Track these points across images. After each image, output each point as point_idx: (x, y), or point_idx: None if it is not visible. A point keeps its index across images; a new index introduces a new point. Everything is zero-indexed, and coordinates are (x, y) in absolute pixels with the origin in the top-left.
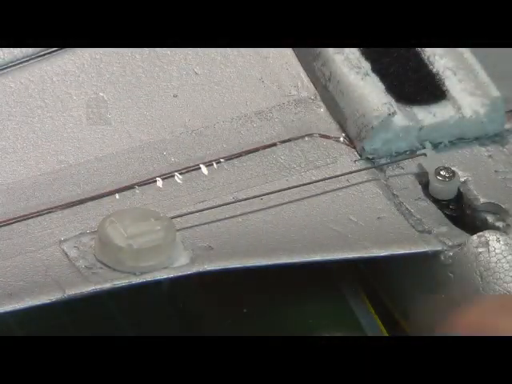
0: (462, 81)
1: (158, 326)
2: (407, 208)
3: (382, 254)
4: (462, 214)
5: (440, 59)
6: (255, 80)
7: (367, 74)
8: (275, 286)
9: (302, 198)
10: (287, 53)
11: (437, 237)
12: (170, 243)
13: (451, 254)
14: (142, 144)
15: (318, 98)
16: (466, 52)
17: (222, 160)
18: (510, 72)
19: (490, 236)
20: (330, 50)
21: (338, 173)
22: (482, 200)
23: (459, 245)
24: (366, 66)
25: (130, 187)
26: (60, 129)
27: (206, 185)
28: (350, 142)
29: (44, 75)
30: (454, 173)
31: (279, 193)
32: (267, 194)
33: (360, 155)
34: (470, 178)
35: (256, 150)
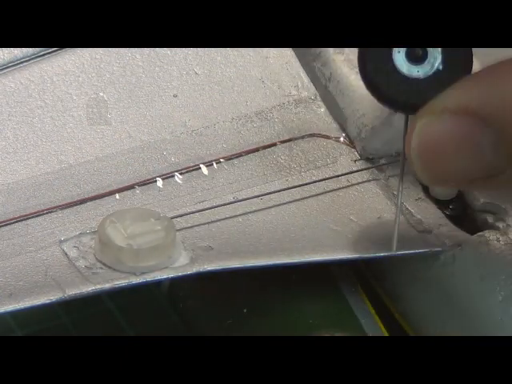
0: None
1: (158, 326)
2: (407, 208)
3: (381, 254)
4: (462, 214)
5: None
6: (255, 80)
7: None
8: (275, 286)
9: (302, 198)
10: (287, 53)
11: (437, 237)
12: (170, 243)
13: (451, 254)
14: (142, 144)
15: (318, 98)
16: None
17: (222, 160)
18: None
19: (490, 236)
20: (330, 50)
21: (338, 173)
22: (481, 200)
23: (459, 245)
24: None
25: (130, 187)
26: (60, 129)
27: (206, 185)
28: (350, 141)
29: (44, 75)
30: None
31: (279, 193)
32: (267, 193)
33: (360, 155)
34: None
35: (256, 150)
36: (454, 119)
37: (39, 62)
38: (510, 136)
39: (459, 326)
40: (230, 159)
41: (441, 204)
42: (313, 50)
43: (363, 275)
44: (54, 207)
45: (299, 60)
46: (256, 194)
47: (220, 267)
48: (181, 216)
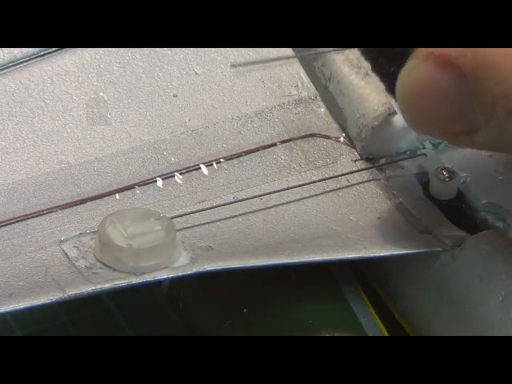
0: None
1: (158, 326)
2: (407, 208)
3: (381, 254)
4: (462, 214)
5: None
6: (255, 80)
7: (367, 74)
8: (275, 286)
9: (302, 198)
10: (287, 53)
11: (437, 237)
12: (170, 243)
13: (451, 254)
14: (142, 144)
15: (318, 98)
16: None
17: (222, 160)
18: None
19: (490, 236)
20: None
21: (338, 173)
22: (482, 200)
23: (459, 245)
24: (366, 65)
25: (130, 187)
26: (60, 129)
27: (205, 185)
28: (350, 141)
29: (44, 75)
30: (454, 173)
31: (279, 193)
32: (267, 193)
33: (360, 155)
34: (469, 178)
35: (256, 149)
36: (436, 65)
37: (39, 62)
38: (481, 92)
39: (459, 325)
40: (230, 159)
41: (441, 204)
42: (313, 50)
43: (363, 275)
44: (54, 207)
45: (299, 60)
46: (256, 194)
47: (220, 267)
48: (181, 216)
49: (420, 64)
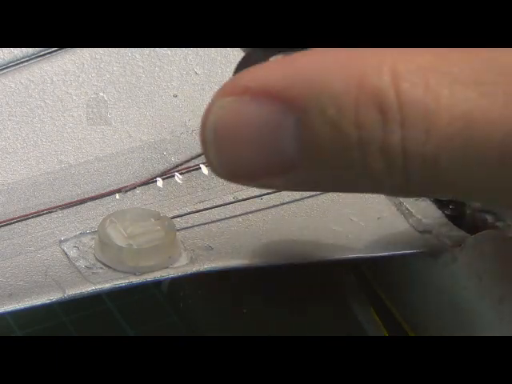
0: None
1: (158, 326)
2: (407, 208)
3: (381, 254)
4: (462, 214)
5: None
6: None
7: None
8: (275, 286)
9: (302, 198)
10: None
11: (437, 237)
12: (170, 243)
13: (451, 254)
14: (142, 144)
15: None
16: None
17: None
18: None
19: (490, 236)
20: None
21: None
22: None
23: (459, 245)
24: None
25: (130, 187)
26: (60, 129)
27: (206, 185)
28: None
29: (44, 75)
30: None
31: (279, 193)
32: (267, 194)
33: None
34: None
35: None
36: (255, 102)
37: (39, 62)
38: (312, 124)
39: (459, 326)
40: None
41: (441, 204)
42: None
43: (363, 275)
44: (54, 207)
45: None
46: (256, 194)
47: (220, 267)
48: (181, 216)
49: (234, 101)
